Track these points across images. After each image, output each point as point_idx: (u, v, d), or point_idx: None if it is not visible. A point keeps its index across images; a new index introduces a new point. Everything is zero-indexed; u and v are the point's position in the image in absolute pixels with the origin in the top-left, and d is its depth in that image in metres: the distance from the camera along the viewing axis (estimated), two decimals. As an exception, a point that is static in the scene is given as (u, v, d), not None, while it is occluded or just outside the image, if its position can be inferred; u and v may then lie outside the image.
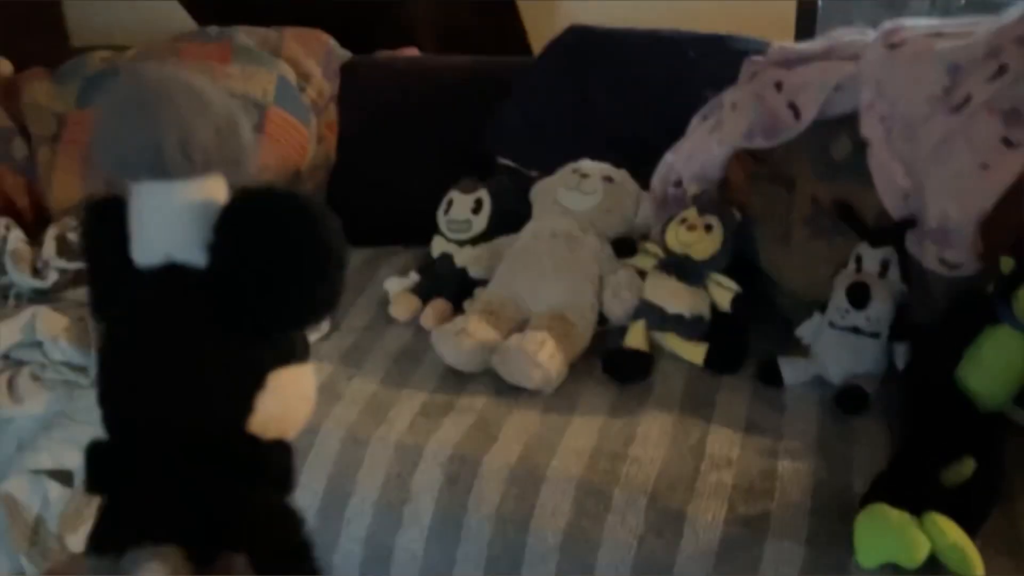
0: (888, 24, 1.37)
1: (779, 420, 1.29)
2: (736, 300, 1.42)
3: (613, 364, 1.40)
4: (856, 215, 1.35)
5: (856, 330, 1.31)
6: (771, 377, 1.36)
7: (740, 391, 1.35)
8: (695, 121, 1.57)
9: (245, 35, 1.98)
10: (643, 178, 1.59)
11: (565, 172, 1.57)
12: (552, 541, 1.16)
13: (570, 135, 1.74)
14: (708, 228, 1.43)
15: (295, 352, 0.60)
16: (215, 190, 0.57)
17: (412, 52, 2.20)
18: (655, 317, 1.44)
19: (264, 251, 0.55)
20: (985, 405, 1.20)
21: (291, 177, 1.81)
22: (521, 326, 1.43)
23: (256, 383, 0.58)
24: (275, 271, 0.56)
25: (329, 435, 1.30)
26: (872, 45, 1.34)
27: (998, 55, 1.24)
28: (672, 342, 1.44)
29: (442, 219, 1.64)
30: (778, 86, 1.41)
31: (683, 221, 1.45)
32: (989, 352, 1.20)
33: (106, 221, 0.60)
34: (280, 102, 1.89)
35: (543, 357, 1.33)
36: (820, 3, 2.08)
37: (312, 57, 1.98)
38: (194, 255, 0.56)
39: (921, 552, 1.00)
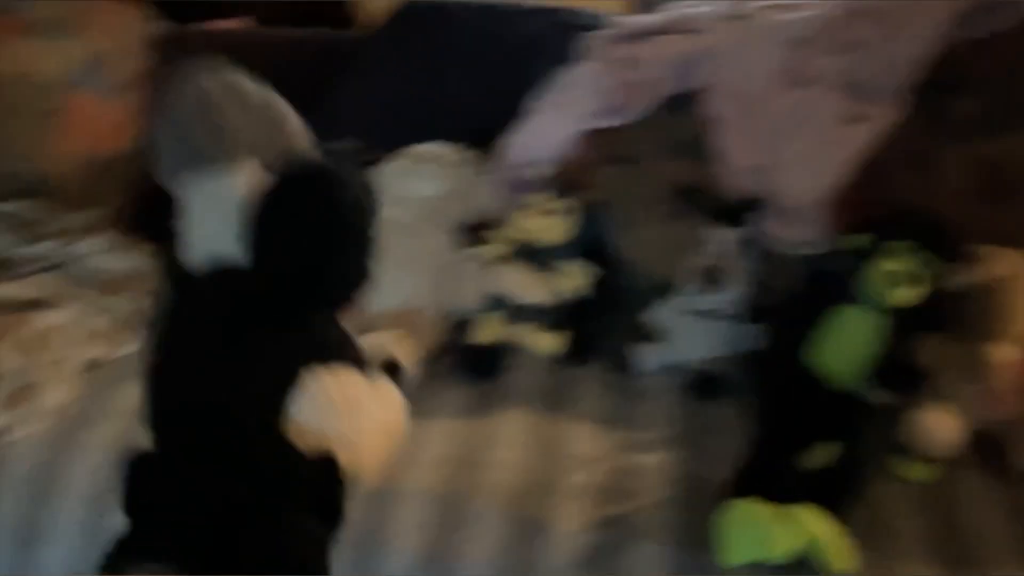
0: (730, -4, 1.34)
1: (638, 411, 1.25)
2: (590, 287, 1.36)
3: (465, 361, 1.32)
4: (706, 195, 1.31)
5: (710, 313, 1.27)
6: (628, 365, 1.31)
7: (597, 382, 1.30)
8: (540, 100, 1.49)
9: (43, 6, 1.74)
10: (490, 161, 1.50)
11: (406, 156, 1.46)
12: (409, 559, 1.07)
13: (410, 116, 1.63)
14: (557, 213, 1.36)
15: (331, 348, 0.58)
16: (257, 177, 0.58)
17: (244, 23, 2.01)
18: (507, 309, 1.36)
19: (302, 230, 0.57)
20: (839, 385, 1.19)
21: (105, 164, 1.62)
22: (364, 327, 1.32)
23: (290, 377, 0.55)
24: (306, 253, 0.57)
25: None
26: (715, 19, 1.30)
27: (840, 28, 1.22)
28: (526, 334, 1.36)
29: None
30: (623, 63, 1.36)
31: (531, 207, 1.37)
32: (840, 331, 1.18)
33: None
34: (84, 82, 1.68)
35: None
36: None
37: (123, 30, 1.77)
38: (235, 246, 0.57)
39: (786, 548, 0.97)
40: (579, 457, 1.16)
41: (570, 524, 1.07)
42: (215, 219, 0.57)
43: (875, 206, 1.20)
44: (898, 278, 1.11)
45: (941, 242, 1.13)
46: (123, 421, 1.19)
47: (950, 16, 1.13)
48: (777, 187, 1.23)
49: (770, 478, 1.06)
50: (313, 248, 0.57)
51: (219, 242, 0.57)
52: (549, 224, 1.36)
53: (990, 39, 1.16)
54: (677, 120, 1.35)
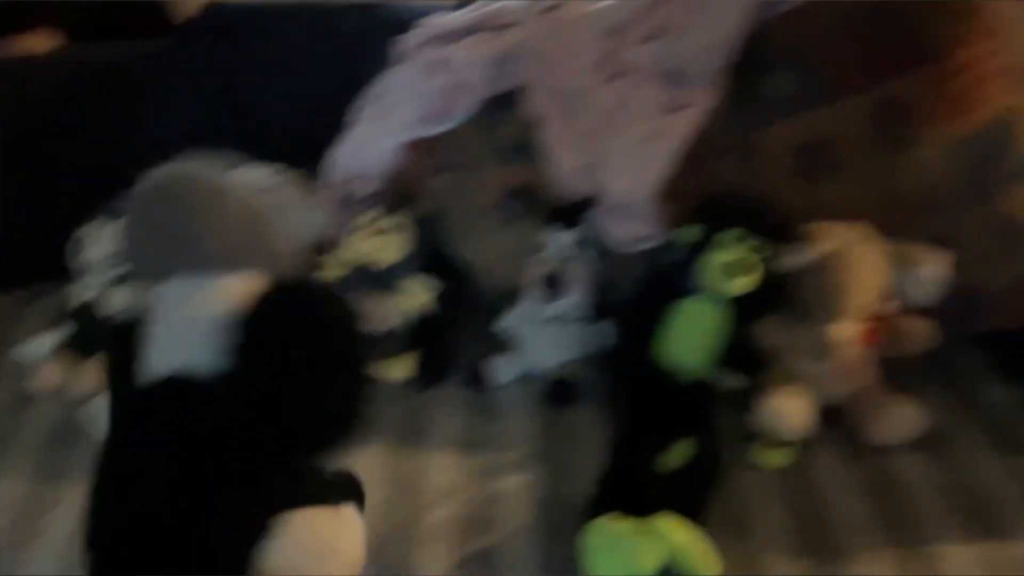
0: (541, -13, 1.29)
1: (497, 429, 1.21)
2: (439, 299, 1.31)
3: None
4: (539, 197, 1.27)
5: (557, 318, 1.24)
6: (482, 380, 1.27)
7: (452, 403, 1.25)
8: (360, 110, 1.41)
9: None
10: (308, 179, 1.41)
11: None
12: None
13: (220, 137, 1.51)
14: (391, 229, 1.30)
15: (313, 494, 0.53)
16: (239, 289, 0.54)
17: (48, 36, 1.83)
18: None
19: (290, 357, 0.51)
20: (687, 377, 1.18)
21: None
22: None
23: (259, 525, 0.50)
24: (299, 378, 0.51)
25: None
26: (526, 13, 1.25)
27: (650, 13, 1.19)
28: (374, 362, 1.30)
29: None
30: (439, 65, 1.29)
31: (363, 226, 1.30)
32: (681, 324, 1.17)
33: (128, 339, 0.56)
34: None
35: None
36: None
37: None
38: (209, 360, 0.51)
39: (651, 562, 0.95)
40: (440, 490, 1.11)
41: (433, 567, 1.02)
42: (189, 328, 0.53)
43: (703, 194, 1.18)
44: (732, 267, 1.10)
45: (769, 225, 1.13)
46: None
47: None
48: (607, 184, 1.20)
49: (630, 488, 1.05)
50: (300, 370, 0.52)
51: (189, 353, 0.52)
52: (384, 243, 1.29)
53: (794, 12, 1.15)
54: (502, 122, 1.29)
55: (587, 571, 0.98)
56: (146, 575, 0.51)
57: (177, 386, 0.53)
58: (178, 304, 0.54)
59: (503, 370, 1.27)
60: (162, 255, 0.56)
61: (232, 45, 1.59)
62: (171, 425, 0.52)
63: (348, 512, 0.59)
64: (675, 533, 0.97)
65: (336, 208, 1.38)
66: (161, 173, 0.62)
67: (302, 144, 1.43)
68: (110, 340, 0.64)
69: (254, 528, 0.51)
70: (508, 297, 1.32)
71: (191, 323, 0.53)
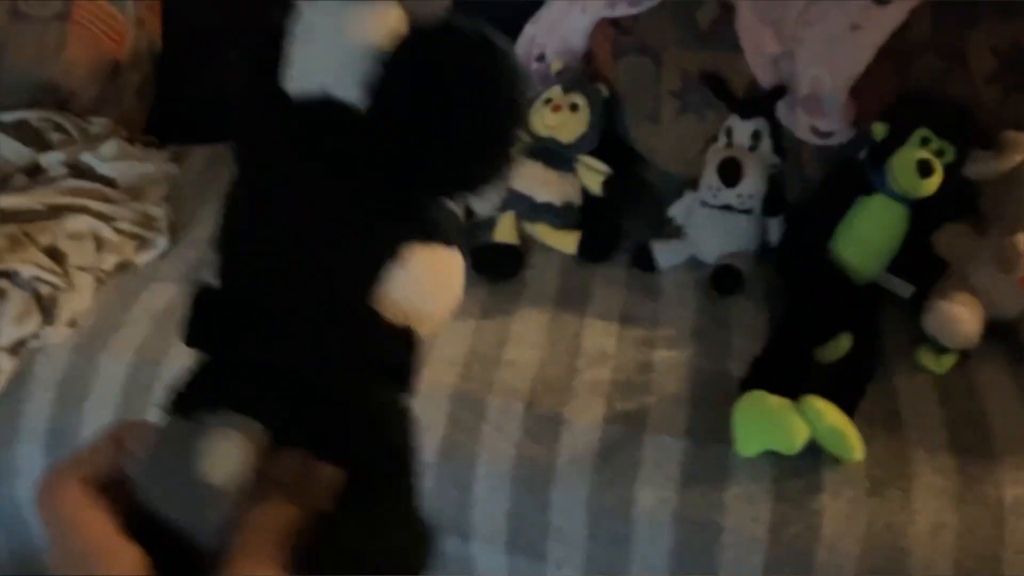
0: None
1: (655, 308, 1.24)
2: (607, 183, 1.34)
3: (482, 261, 1.31)
4: (725, 85, 1.27)
5: (728, 207, 1.25)
6: (645, 262, 1.30)
7: (615, 280, 1.30)
8: (553, -10, 1.44)
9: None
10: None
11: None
12: (427, 457, 1.10)
13: None
14: (574, 107, 1.34)
15: (439, 232, 0.50)
16: (390, 18, 0.48)
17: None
18: (524, 207, 1.35)
19: (435, 98, 0.46)
20: (860, 277, 1.18)
21: (109, 70, 1.60)
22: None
23: (390, 251, 0.48)
24: (445, 121, 0.46)
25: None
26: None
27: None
28: (543, 232, 1.35)
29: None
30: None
31: (548, 102, 1.35)
32: (863, 222, 1.17)
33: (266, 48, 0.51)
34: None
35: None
36: None
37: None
38: (354, 92, 0.47)
39: (799, 438, 0.98)
40: (595, 353, 1.16)
41: (586, 419, 1.08)
42: (337, 52, 0.49)
43: (898, 93, 1.16)
44: (921, 167, 1.08)
45: (963, 128, 1.10)
46: (148, 326, 1.22)
47: None
48: (801, 75, 1.19)
49: (785, 371, 1.07)
50: (448, 114, 0.47)
51: (335, 80, 0.48)
52: (565, 120, 1.33)
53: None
54: (695, 8, 1.29)
55: (735, 439, 1.01)
56: (273, 287, 0.51)
57: (317, 108, 0.49)
58: (330, 24, 0.49)
59: (668, 255, 1.30)
60: None
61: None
62: (310, 145, 0.50)
63: (459, 256, 0.57)
64: (825, 414, 0.99)
65: (525, 81, 1.42)
66: None
67: (500, 20, 1.48)
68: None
69: (384, 253, 0.50)
70: (680, 184, 1.34)
71: (339, 48, 0.49)
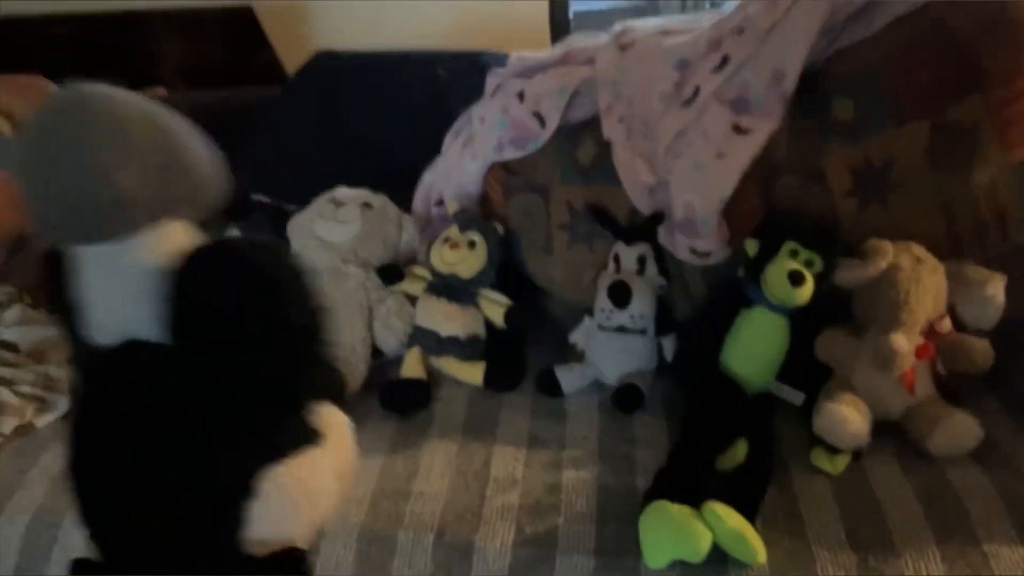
0: (618, 26, 1.40)
1: (561, 430, 1.27)
2: (509, 315, 1.39)
3: (391, 396, 1.34)
4: (609, 215, 1.36)
5: (623, 329, 1.31)
6: (551, 387, 1.34)
7: (521, 407, 1.32)
8: (448, 139, 1.54)
9: (-47, 88, 1.76)
10: (405, 201, 1.54)
11: (320, 202, 1.49)
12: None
13: (324, 164, 1.67)
14: (472, 244, 1.40)
15: (286, 442, 0.49)
16: (164, 243, 0.46)
17: (159, 93, 2.04)
18: (430, 342, 1.39)
19: (230, 319, 0.44)
20: (752, 386, 1.23)
21: (13, 242, 1.62)
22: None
23: (241, 488, 0.46)
24: (244, 339, 0.45)
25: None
26: (604, 48, 1.36)
27: (719, 47, 1.29)
28: (450, 365, 1.39)
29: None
30: (520, 96, 1.40)
31: (446, 240, 1.41)
32: (747, 334, 1.23)
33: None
34: (-3, 157, 1.69)
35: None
36: (572, 14, 2.11)
37: (31, 105, 1.79)
38: (153, 329, 0.45)
39: (703, 544, 0.99)
40: (505, 479, 1.17)
41: (496, 544, 1.08)
42: (118, 292, 0.46)
43: (766, 212, 1.25)
44: (793, 277, 1.16)
45: (828, 239, 1.19)
46: (47, 487, 1.19)
47: (820, 27, 1.20)
48: (674, 201, 1.28)
49: (687, 481, 1.09)
50: (242, 331, 0.45)
51: (128, 319, 0.45)
52: (464, 257, 1.39)
53: (857, 42, 1.23)
54: (576, 147, 1.39)
55: (643, 552, 1.02)
56: (134, 535, 0.47)
57: (130, 353, 0.46)
58: (103, 270, 0.46)
59: (571, 379, 1.34)
60: (69, 211, 0.45)
61: (338, 85, 1.75)
62: (133, 394, 0.47)
63: (318, 453, 0.52)
64: (726, 519, 1.01)
65: (425, 225, 1.49)
66: (54, 98, 0.50)
67: (398, 170, 1.57)
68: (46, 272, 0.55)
69: (238, 485, 0.47)
70: (577, 312, 1.40)
71: (122, 291, 0.46)
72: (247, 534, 0.46)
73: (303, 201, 1.55)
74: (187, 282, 0.45)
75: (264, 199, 1.63)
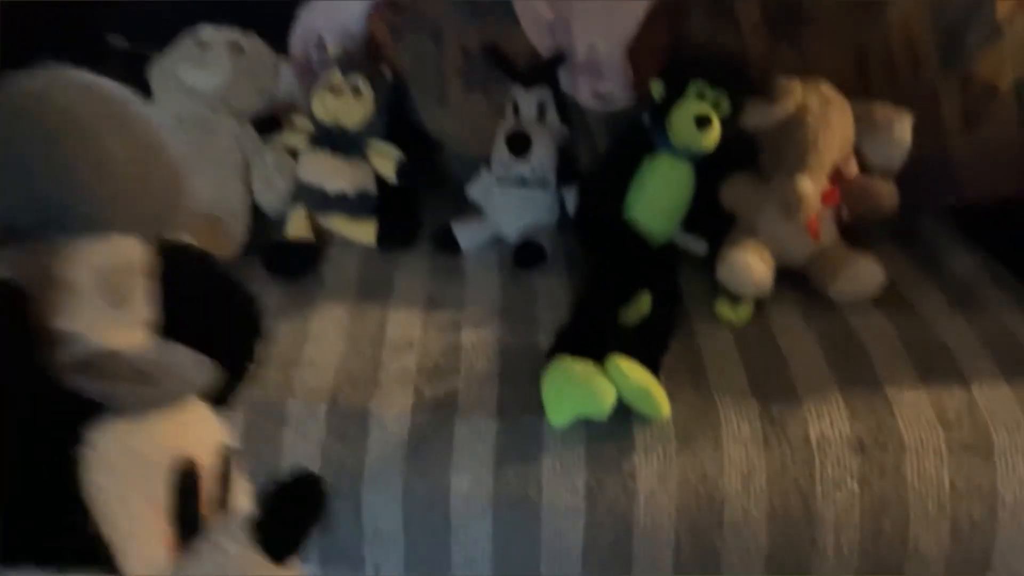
0: None
1: (460, 289, 1.21)
2: (401, 169, 1.29)
3: (275, 259, 1.24)
4: (505, 57, 1.26)
5: (523, 182, 1.23)
6: (448, 244, 1.27)
7: (418, 266, 1.25)
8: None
9: None
10: (279, 43, 1.39)
11: (184, 45, 1.33)
12: (228, 472, 1.01)
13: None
14: (356, 91, 1.28)
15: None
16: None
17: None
18: (315, 199, 1.28)
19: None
20: (656, 237, 1.19)
21: None
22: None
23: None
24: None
25: None
26: None
27: None
28: (338, 224, 1.29)
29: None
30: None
31: (328, 87, 1.28)
32: (651, 183, 1.17)
33: None
34: None
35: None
36: None
37: None
38: None
39: (607, 400, 0.96)
40: (401, 342, 1.11)
41: (394, 411, 1.03)
42: None
43: (672, 51, 1.17)
44: (699, 121, 1.10)
45: (735, 78, 1.12)
46: None
47: None
48: (577, 42, 1.19)
49: (590, 337, 1.05)
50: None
51: None
52: (348, 104, 1.27)
53: None
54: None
55: (546, 410, 0.99)
56: None
57: None
58: None
59: (471, 234, 1.27)
60: (36, 210, 0.46)
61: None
62: None
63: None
64: (630, 373, 0.98)
65: (304, 70, 1.36)
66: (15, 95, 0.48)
67: (272, 4, 1.41)
68: None
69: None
70: (475, 164, 1.31)
71: None
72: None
73: (165, 42, 1.38)
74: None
75: (120, 43, 1.45)
